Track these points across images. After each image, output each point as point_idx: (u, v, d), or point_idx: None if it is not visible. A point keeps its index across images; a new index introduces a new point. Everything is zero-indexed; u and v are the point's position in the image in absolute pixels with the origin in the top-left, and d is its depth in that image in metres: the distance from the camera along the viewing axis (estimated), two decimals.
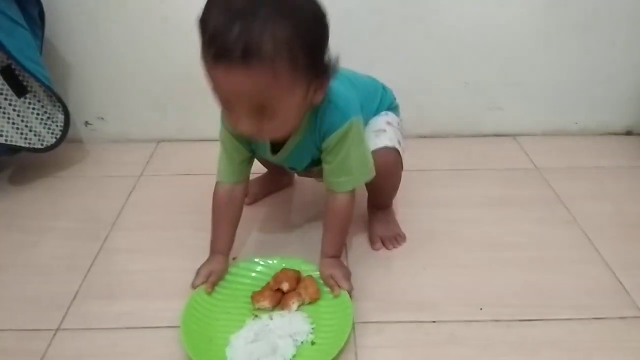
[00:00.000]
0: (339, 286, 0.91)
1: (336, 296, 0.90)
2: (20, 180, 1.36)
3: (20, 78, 1.22)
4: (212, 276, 0.95)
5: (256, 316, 0.90)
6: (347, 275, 0.94)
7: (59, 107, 1.28)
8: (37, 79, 1.21)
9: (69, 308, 0.97)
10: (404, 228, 1.13)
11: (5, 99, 1.22)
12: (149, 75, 1.44)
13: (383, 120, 1.04)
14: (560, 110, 1.51)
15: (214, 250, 0.99)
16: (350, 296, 0.90)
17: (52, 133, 1.29)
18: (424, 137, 1.54)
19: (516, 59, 1.43)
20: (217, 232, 0.99)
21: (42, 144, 1.28)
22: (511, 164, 1.41)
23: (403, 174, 1.08)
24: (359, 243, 1.11)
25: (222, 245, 0.99)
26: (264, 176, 1.27)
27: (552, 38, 1.40)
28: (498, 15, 1.36)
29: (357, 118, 0.88)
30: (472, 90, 1.47)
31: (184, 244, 1.11)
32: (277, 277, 0.93)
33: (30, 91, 1.24)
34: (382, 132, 1.00)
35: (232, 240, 1.00)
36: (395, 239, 1.10)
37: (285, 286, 0.92)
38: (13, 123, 1.23)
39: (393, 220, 1.14)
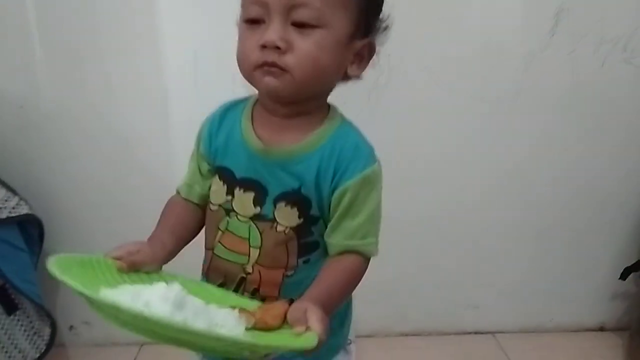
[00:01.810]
0: (308, 326, 0.57)
1: (297, 334, 0.58)
2: None
3: (12, 297, 1.25)
4: (138, 255, 0.65)
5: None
6: (324, 322, 0.58)
7: (47, 321, 1.30)
8: (30, 299, 1.24)
9: None
10: None
11: None
12: None
13: None
14: (535, 308, 1.58)
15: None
16: (317, 346, 0.56)
17: (37, 348, 1.29)
18: (406, 335, 1.57)
19: (489, 258, 1.52)
20: (157, 229, 0.74)
21: None
22: None
23: None
24: None
25: (159, 240, 0.70)
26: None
27: (524, 239, 1.51)
28: (475, 218, 1.48)
29: (379, 167, 0.70)
30: (450, 289, 1.54)
31: None
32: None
33: (20, 308, 1.27)
34: None
35: (171, 248, 0.71)
36: None
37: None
38: None
39: None
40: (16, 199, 1.26)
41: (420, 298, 1.55)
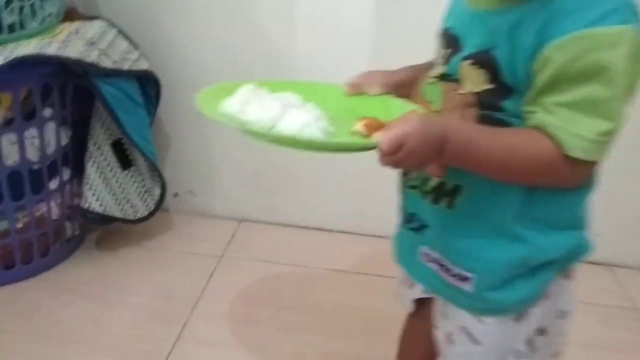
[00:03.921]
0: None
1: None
2: (106, 246, 1.37)
3: (127, 152, 1.25)
4: (361, 78, 0.69)
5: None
6: (396, 140, 0.52)
7: (158, 181, 1.30)
8: (143, 155, 1.23)
9: None
10: None
11: (111, 170, 1.25)
12: (242, 157, 1.45)
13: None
14: None
15: None
16: (380, 150, 0.53)
17: (147, 206, 1.31)
18: None
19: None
20: None
21: (135, 216, 1.30)
22: (608, 299, 1.32)
23: None
24: None
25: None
26: None
27: None
28: None
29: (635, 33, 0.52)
30: None
31: (267, 346, 1.08)
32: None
33: (135, 165, 1.27)
34: None
35: (403, 76, 0.70)
36: None
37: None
38: (113, 194, 1.26)
39: None
40: (137, 53, 1.23)
41: None
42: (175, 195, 1.53)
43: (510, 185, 0.60)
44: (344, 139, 0.61)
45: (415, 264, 0.71)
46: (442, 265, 0.67)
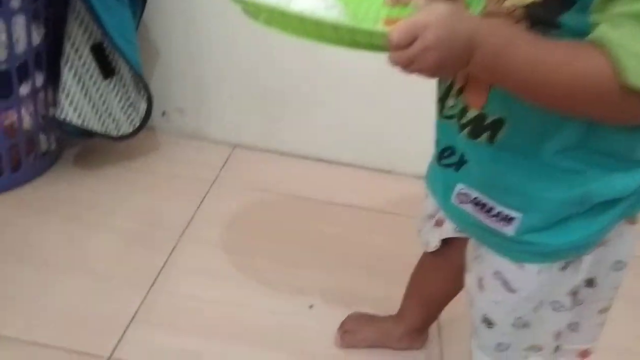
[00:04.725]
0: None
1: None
2: (85, 164, 1.25)
3: (110, 58, 1.11)
4: None
5: None
6: (409, 33, 0.41)
7: (144, 95, 1.16)
8: (128, 62, 1.09)
9: (124, 332, 0.85)
10: None
11: (91, 78, 1.11)
12: (239, 74, 1.32)
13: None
14: None
15: None
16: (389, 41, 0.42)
17: (131, 122, 1.17)
18: None
19: None
20: None
21: (117, 132, 1.17)
22: None
23: None
24: None
25: None
26: None
27: None
28: None
29: None
30: None
31: (260, 276, 0.99)
32: None
33: (118, 74, 1.13)
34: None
35: None
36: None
37: None
38: (93, 105, 1.12)
39: None
40: None
41: None
42: (163, 113, 1.40)
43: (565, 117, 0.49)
44: (347, 21, 0.51)
45: (448, 203, 0.61)
46: (482, 205, 0.57)
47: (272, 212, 1.18)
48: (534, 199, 0.53)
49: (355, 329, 0.90)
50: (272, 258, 1.03)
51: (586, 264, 0.56)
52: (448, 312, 0.86)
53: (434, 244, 0.71)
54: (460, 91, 0.55)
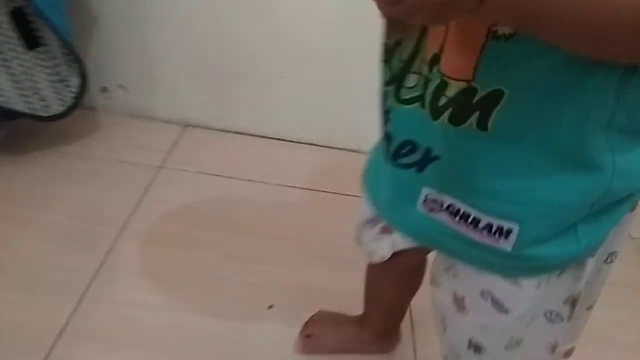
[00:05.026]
0: None
1: None
2: (12, 148, 1.10)
3: (33, 26, 0.95)
4: None
5: None
6: None
7: (76, 68, 1.01)
8: (54, 30, 0.94)
9: (51, 349, 0.73)
10: None
11: (11, 49, 0.95)
12: (189, 45, 1.18)
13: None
14: None
15: None
16: None
17: (62, 100, 1.03)
18: None
19: None
20: None
21: (47, 112, 1.02)
22: None
23: None
24: None
25: None
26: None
27: None
28: None
29: None
30: None
31: (212, 275, 0.88)
32: None
33: (44, 45, 0.98)
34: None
35: None
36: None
37: None
38: (17, 81, 0.97)
39: None
40: None
41: None
42: (103, 90, 1.26)
43: (591, 80, 0.37)
44: None
45: (407, 213, 0.49)
46: (461, 216, 0.45)
47: (226, 200, 1.06)
48: (539, 205, 0.42)
49: (319, 333, 0.81)
50: (226, 253, 0.93)
51: (589, 267, 0.47)
52: (422, 307, 0.77)
53: (381, 254, 0.59)
54: (435, 60, 0.41)
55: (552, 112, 0.39)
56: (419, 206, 0.48)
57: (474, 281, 0.49)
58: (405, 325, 0.84)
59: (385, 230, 0.57)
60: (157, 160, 1.14)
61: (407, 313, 0.87)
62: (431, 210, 0.48)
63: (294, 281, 0.90)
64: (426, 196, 0.47)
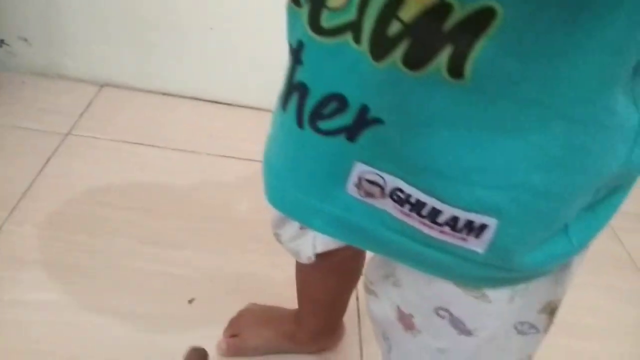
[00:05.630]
0: None
1: None
2: None
3: None
4: None
5: None
6: None
7: None
8: None
9: None
10: None
11: None
12: None
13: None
14: None
15: None
16: None
17: None
18: None
19: None
20: None
21: None
22: None
23: None
24: None
25: None
26: None
27: None
28: None
29: None
30: None
31: (121, 267, 0.75)
32: None
33: None
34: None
35: None
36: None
37: None
38: None
39: None
40: None
41: None
42: (1, 43, 1.07)
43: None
44: None
45: (329, 200, 0.34)
46: (412, 205, 0.31)
47: (146, 173, 0.91)
48: (528, 192, 0.29)
49: (246, 333, 0.68)
50: (138, 238, 0.79)
51: (574, 268, 0.36)
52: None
53: (306, 255, 0.48)
54: None
55: (568, 48, 0.25)
56: (349, 189, 0.33)
57: (423, 295, 0.36)
58: (351, 314, 0.73)
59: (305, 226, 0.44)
60: (64, 126, 0.98)
61: (353, 300, 0.76)
62: (368, 195, 0.33)
63: (218, 269, 0.77)
64: (362, 174, 0.32)
